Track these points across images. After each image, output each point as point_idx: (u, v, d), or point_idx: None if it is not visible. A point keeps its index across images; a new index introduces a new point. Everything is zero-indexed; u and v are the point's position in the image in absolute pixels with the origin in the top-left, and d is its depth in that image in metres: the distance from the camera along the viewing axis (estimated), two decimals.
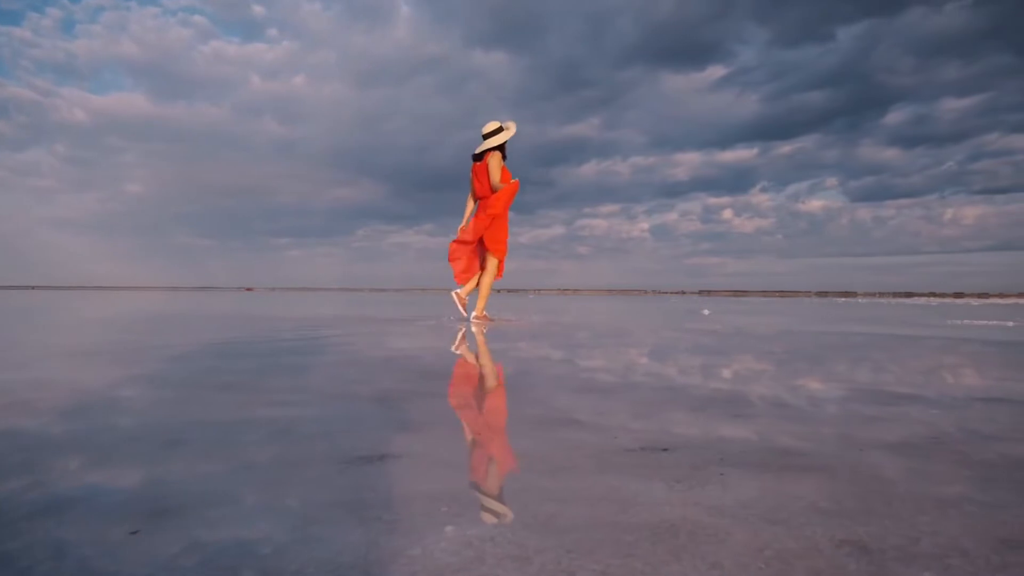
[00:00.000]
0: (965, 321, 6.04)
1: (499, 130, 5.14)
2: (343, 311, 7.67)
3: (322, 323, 4.91)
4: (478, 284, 5.27)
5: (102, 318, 5.90)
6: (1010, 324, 5.55)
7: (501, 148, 5.13)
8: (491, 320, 5.30)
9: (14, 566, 0.59)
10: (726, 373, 2.09)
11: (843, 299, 28.98)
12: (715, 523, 0.70)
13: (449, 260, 5.34)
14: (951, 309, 11.44)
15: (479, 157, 5.18)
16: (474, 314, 5.26)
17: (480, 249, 5.25)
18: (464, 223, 5.35)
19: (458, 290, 5.21)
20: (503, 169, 5.11)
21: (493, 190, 5.09)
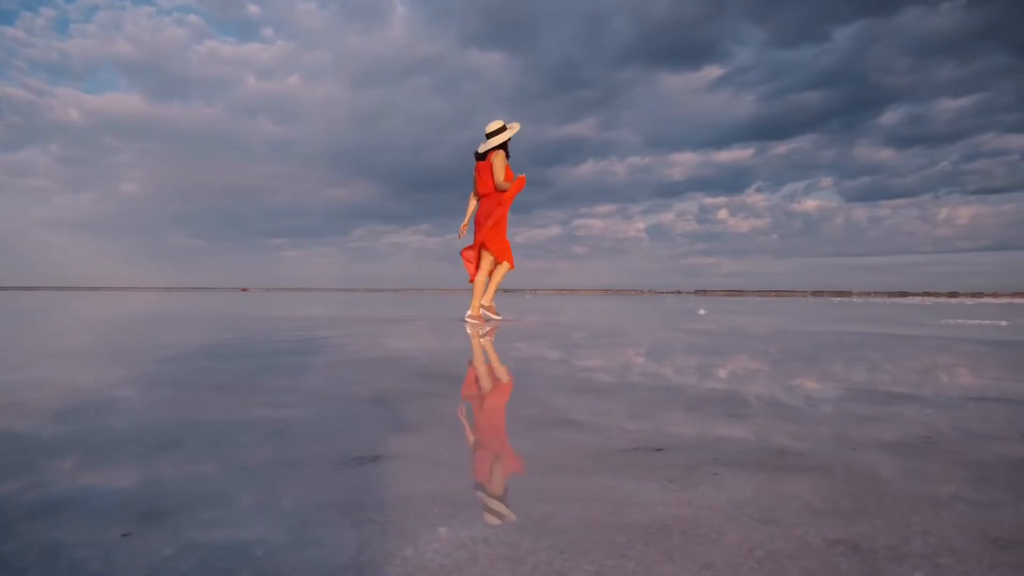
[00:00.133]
0: (959, 321, 6.07)
1: (503, 129, 5.15)
2: (339, 311, 7.66)
3: (318, 323, 4.90)
4: (488, 278, 5.30)
5: (97, 319, 5.88)
6: (1004, 323, 5.58)
7: (504, 147, 5.15)
8: (497, 317, 5.30)
9: (10, 568, 0.58)
10: (721, 373, 2.10)
11: (838, 299, 29.08)
12: (708, 523, 0.70)
13: (464, 261, 5.36)
14: (946, 309, 11.49)
15: (482, 156, 5.19)
16: (482, 303, 5.27)
17: (479, 250, 5.26)
18: (466, 221, 5.38)
19: (468, 315, 5.23)
20: (507, 168, 5.13)
21: (498, 189, 5.11)
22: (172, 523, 0.69)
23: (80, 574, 0.57)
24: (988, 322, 5.78)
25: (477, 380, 2.03)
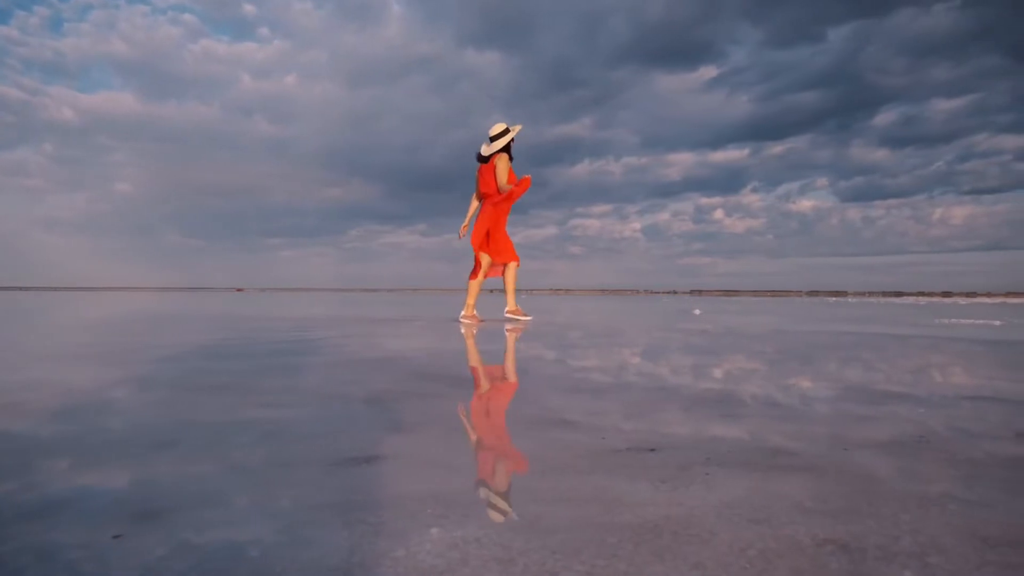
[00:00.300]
0: (953, 320, 6.10)
1: (506, 132, 5.18)
2: (335, 311, 7.64)
3: (313, 323, 4.90)
4: (504, 282, 5.35)
5: (91, 319, 5.86)
6: (997, 323, 5.61)
7: (507, 149, 5.18)
8: (481, 320, 5.31)
9: (4, 568, 0.58)
10: (716, 373, 2.10)
11: (833, 299, 29.18)
12: (699, 523, 0.70)
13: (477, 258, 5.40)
14: (940, 308, 11.54)
15: (486, 159, 5.22)
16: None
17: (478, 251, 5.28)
18: (466, 222, 5.41)
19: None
20: (510, 171, 5.17)
21: (502, 191, 5.15)
22: (164, 524, 0.69)
23: (78, 573, 0.57)
24: (982, 322, 5.81)
25: (472, 380, 2.03)
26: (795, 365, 2.40)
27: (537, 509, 0.75)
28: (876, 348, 3.09)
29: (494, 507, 0.76)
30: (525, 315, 5.44)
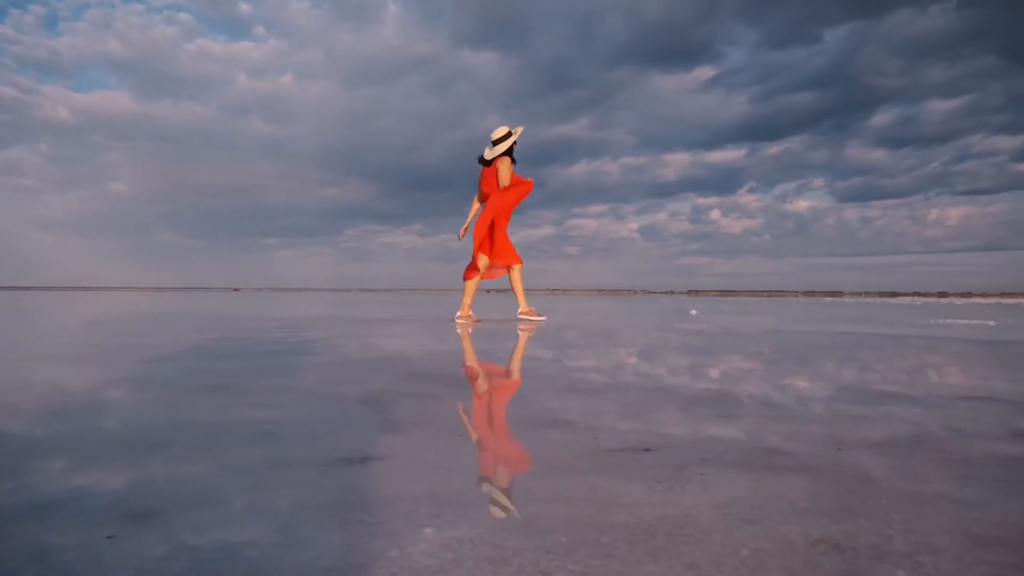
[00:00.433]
0: (949, 320, 6.12)
1: (508, 135, 5.21)
2: (331, 311, 7.63)
3: (309, 324, 4.89)
4: (512, 285, 5.41)
5: (86, 319, 5.84)
6: (992, 323, 5.63)
7: (510, 152, 5.20)
8: (477, 320, 5.31)
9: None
10: (712, 373, 2.11)
11: (830, 299, 29.27)
12: (693, 523, 0.70)
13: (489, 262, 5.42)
14: (935, 308, 11.58)
15: (488, 162, 5.25)
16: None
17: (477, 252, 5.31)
18: (466, 224, 5.44)
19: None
20: (512, 175, 5.21)
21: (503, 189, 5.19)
22: (157, 525, 0.69)
23: (71, 574, 0.57)
24: (977, 322, 5.83)
25: (468, 381, 2.03)
26: (791, 365, 2.40)
27: (532, 509, 0.75)
28: (872, 348, 3.10)
29: (488, 507, 0.76)
30: (539, 315, 5.49)
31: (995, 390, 1.77)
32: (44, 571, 0.58)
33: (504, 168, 5.13)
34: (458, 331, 4.20)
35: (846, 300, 24.47)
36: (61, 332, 4.07)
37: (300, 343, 3.11)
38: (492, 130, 5.24)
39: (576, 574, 0.58)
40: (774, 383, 1.87)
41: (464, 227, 5.47)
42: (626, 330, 4.48)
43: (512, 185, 5.17)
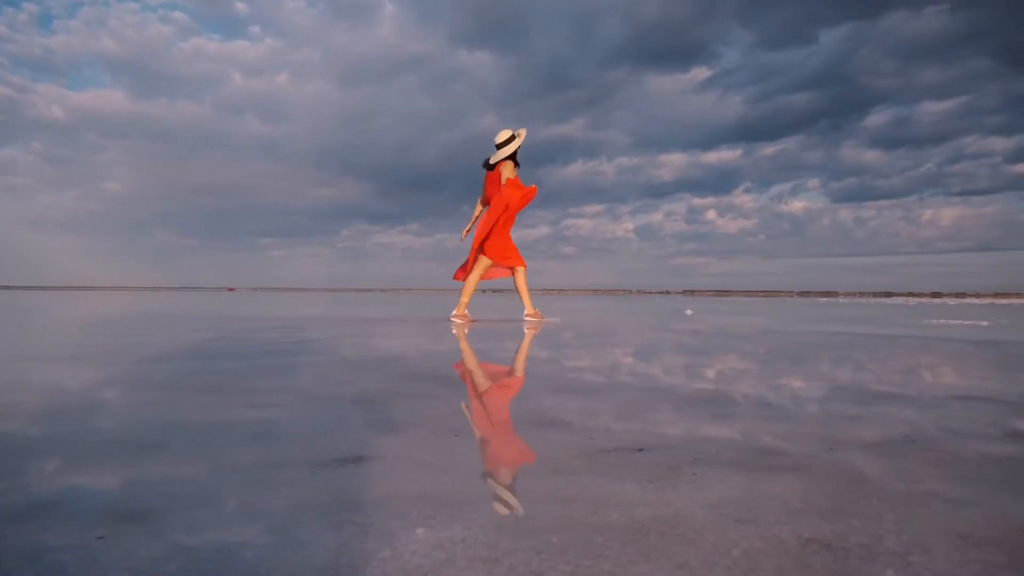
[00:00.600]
0: (943, 321, 6.15)
1: (512, 139, 5.23)
2: (327, 311, 7.62)
3: (305, 323, 4.88)
4: (517, 288, 5.40)
5: (81, 319, 5.82)
6: (985, 323, 5.66)
7: (513, 157, 5.23)
8: (473, 321, 5.31)
9: None
10: (708, 373, 2.11)
11: (824, 299, 29.37)
12: (686, 523, 0.70)
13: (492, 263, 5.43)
14: (929, 309, 11.63)
15: (492, 166, 5.28)
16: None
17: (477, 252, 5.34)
18: (468, 226, 5.48)
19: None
20: (516, 178, 5.23)
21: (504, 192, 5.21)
22: (150, 526, 0.69)
23: (65, 574, 0.57)
24: (970, 322, 5.86)
25: (463, 381, 2.03)
26: (785, 365, 2.41)
27: (524, 509, 0.75)
28: (866, 348, 3.11)
29: (481, 507, 0.76)
30: (544, 317, 5.54)
31: (988, 390, 1.78)
32: (36, 572, 0.58)
33: (507, 172, 5.17)
34: (454, 331, 4.20)
35: (841, 300, 24.55)
36: (56, 332, 4.05)
37: (295, 343, 3.10)
38: (495, 133, 5.27)
39: (567, 574, 0.58)
40: (768, 383, 1.87)
41: (466, 229, 5.50)
42: (622, 330, 4.49)
43: (511, 186, 5.18)
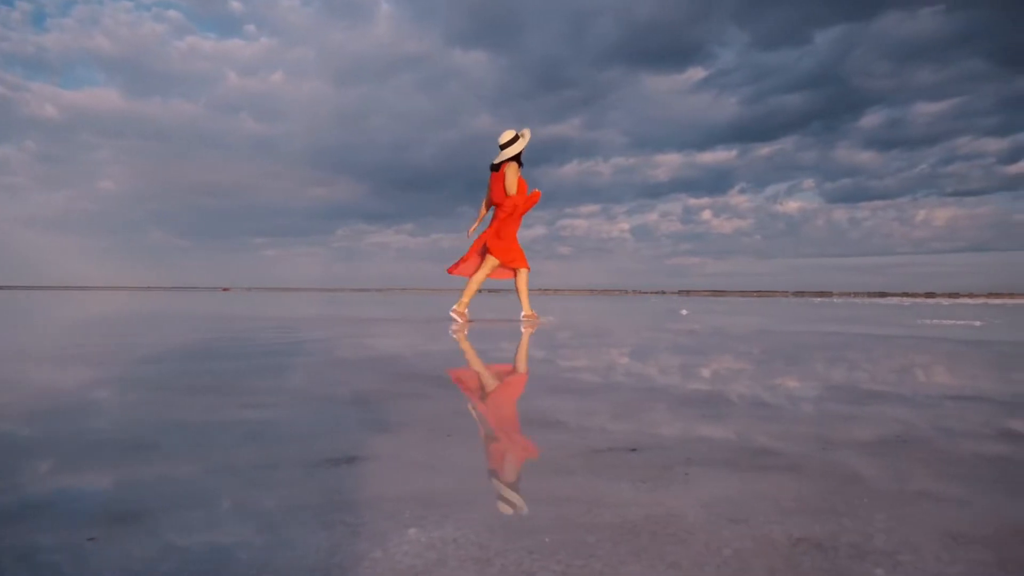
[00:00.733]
0: (936, 321, 6.18)
1: (515, 139, 5.25)
2: (322, 311, 7.61)
3: (300, 323, 4.87)
4: (517, 287, 5.46)
5: (74, 318, 5.79)
6: (978, 324, 5.69)
7: (517, 157, 5.24)
8: (470, 321, 5.32)
9: None
10: (703, 373, 2.12)
11: (819, 299, 29.48)
12: (677, 523, 0.71)
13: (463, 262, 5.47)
14: (923, 309, 11.69)
15: (496, 167, 5.30)
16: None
17: (484, 252, 5.38)
18: (475, 225, 5.52)
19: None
20: (520, 179, 5.25)
21: (508, 194, 5.25)
22: (141, 526, 0.68)
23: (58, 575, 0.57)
24: (963, 322, 5.89)
25: (459, 381, 2.03)
26: (780, 365, 2.42)
27: (517, 509, 0.75)
28: (860, 348, 3.12)
29: (473, 508, 0.77)
30: (540, 318, 5.60)
31: (981, 390, 1.79)
32: (26, 573, 0.58)
33: (511, 173, 5.19)
34: (453, 327, 4.20)
35: (835, 300, 24.65)
36: (49, 332, 4.03)
37: (290, 343, 3.10)
38: (493, 133, 5.30)
39: (558, 574, 0.58)
40: (763, 383, 1.88)
41: (473, 227, 5.57)
42: (618, 330, 4.49)
43: (519, 196, 5.23)
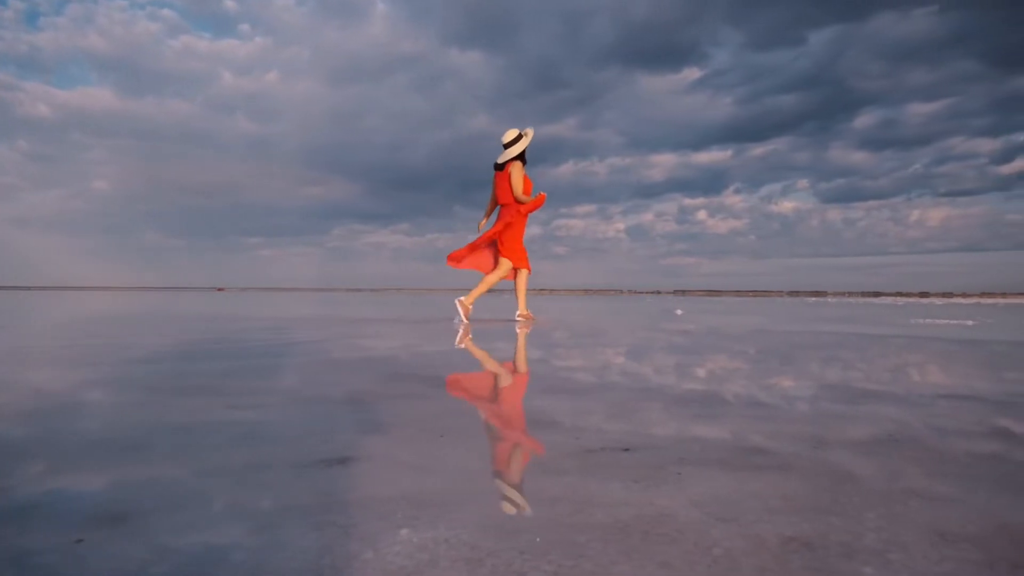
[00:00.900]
0: (930, 320, 6.21)
1: (519, 138, 5.26)
2: (316, 311, 7.59)
3: (294, 324, 4.86)
4: (515, 286, 5.50)
5: (66, 319, 5.76)
6: (970, 323, 5.72)
7: (522, 156, 5.26)
8: (466, 321, 5.32)
9: None
10: (698, 372, 2.12)
11: (814, 299, 29.57)
12: (669, 523, 0.71)
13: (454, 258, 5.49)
14: (917, 308, 11.74)
15: (501, 167, 5.31)
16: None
17: (494, 251, 5.41)
18: (483, 221, 5.59)
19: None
20: (525, 178, 5.27)
21: (516, 199, 5.28)
22: (131, 528, 0.68)
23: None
24: (956, 322, 5.92)
25: (452, 381, 2.02)
26: (775, 365, 2.43)
27: (509, 509, 0.75)
28: (854, 348, 3.13)
29: (465, 508, 0.77)
30: (535, 318, 5.65)
31: (974, 389, 1.80)
32: (31, 570, 0.57)
33: (516, 173, 5.21)
34: (456, 321, 4.19)
35: (830, 300, 24.73)
36: (41, 332, 4.01)
37: (285, 344, 3.09)
38: (493, 134, 5.33)
39: (549, 574, 0.58)
40: (758, 383, 1.88)
41: (482, 222, 5.60)
42: (613, 330, 4.50)
43: (525, 198, 5.26)
